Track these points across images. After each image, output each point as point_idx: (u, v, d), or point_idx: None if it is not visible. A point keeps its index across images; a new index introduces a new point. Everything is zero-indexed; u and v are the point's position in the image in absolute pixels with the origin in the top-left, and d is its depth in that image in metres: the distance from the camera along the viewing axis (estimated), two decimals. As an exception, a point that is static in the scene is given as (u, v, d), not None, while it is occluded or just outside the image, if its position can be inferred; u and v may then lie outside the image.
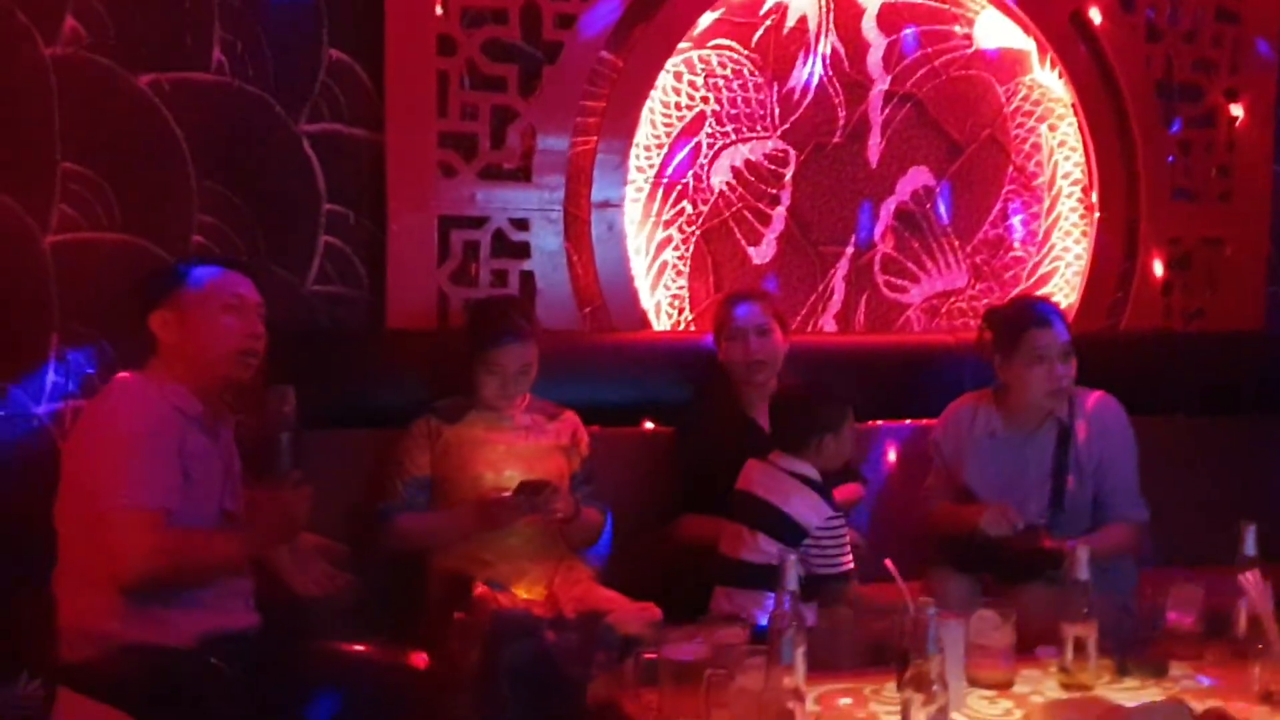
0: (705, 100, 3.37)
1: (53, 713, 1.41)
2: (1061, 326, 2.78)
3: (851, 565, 2.49)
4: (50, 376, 2.94)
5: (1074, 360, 2.77)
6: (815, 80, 3.44)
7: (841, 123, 3.48)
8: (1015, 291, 3.60)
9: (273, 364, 2.45)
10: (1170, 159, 3.70)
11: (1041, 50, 3.62)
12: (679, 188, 3.37)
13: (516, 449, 2.76)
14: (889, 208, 3.54)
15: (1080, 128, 3.66)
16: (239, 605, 2.23)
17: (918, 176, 3.55)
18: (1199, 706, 1.92)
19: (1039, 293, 3.62)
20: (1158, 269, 3.69)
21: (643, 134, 3.31)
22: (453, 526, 2.69)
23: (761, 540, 2.45)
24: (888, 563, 2.10)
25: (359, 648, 2.43)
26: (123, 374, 2.26)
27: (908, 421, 3.29)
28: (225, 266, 2.33)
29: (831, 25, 3.45)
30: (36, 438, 2.91)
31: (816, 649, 2.05)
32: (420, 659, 2.48)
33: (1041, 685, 2.13)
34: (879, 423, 3.29)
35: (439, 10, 3.10)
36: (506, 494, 2.63)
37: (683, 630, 1.96)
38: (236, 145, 3.03)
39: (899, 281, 3.58)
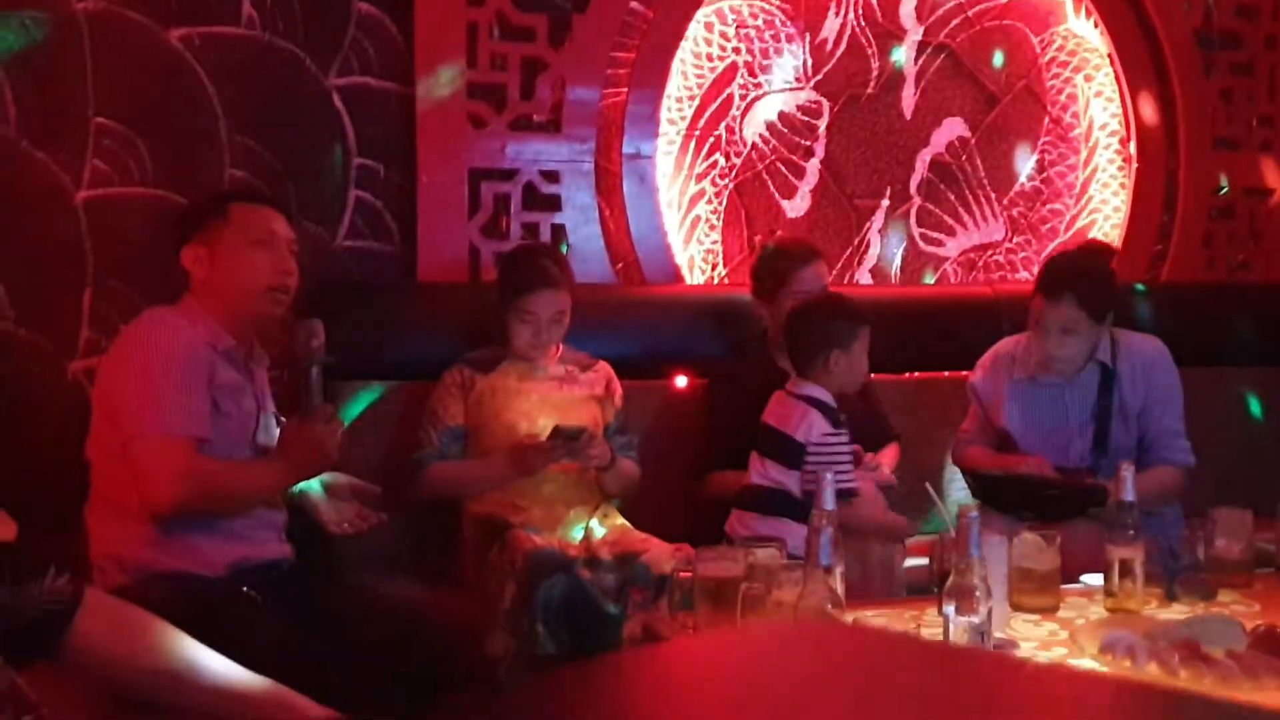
0: (737, 51, 3.34)
1: (81, 607, 1.40)
2: (1073, 301, 2.62)
3: (849, 487, 2.42)
4: (84, 332, 2.95)
5: (1074, 338, 2.66)
6: (847, 31, 3.41)
7: (875, 74, 3.44)
8: (1057, 243, 3.55)
9: (306, 316, 2.43)
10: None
11: (1076, -1, 3.57)
12: (711, 140, 3.34)
13: (550, 398, 2.74)
14: (924, 160, 3.49)
15: (1117, 78, 3.60)
16: (271, 536, 2.22)
17: (953, 128, 3.51)
18: (1249, 625, 1.86)
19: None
20: (1198, 221, 3.62)
21: (674, 86, 3.28)
22: (487, 474, 2.67)
23: (770, 467, 2.46)
24: (926, 485, 2.06)
25: (393, 586, 2.42)
26: (154, 308, 2.26)
27: (946, 374, 3.24)
28: (258, 202, 2.32)
29: (862, -25, 3.42)
30: (70, 393, 2.91)
31: (850, 577, 2.01)
32: (454, 598, 2.46)
33: (1087, 610, 2.08)
34: (917, 375, 3.25)
35: (467, -38, 3.10)
36: (541, 439, 2.61)
37: (716, 550, 1.93)
38: (267, 99, 3.03)
39: (935, 234, 3.53)
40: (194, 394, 2.10)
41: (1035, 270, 3.06)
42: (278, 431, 2.26)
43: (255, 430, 2.25)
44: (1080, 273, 2.66)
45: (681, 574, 1.94)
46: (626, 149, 3.23)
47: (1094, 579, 2.14)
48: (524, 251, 2.87)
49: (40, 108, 2.89)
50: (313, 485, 2.32)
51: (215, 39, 2.98)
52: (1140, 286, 3.44)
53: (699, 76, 3.32)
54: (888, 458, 2.86)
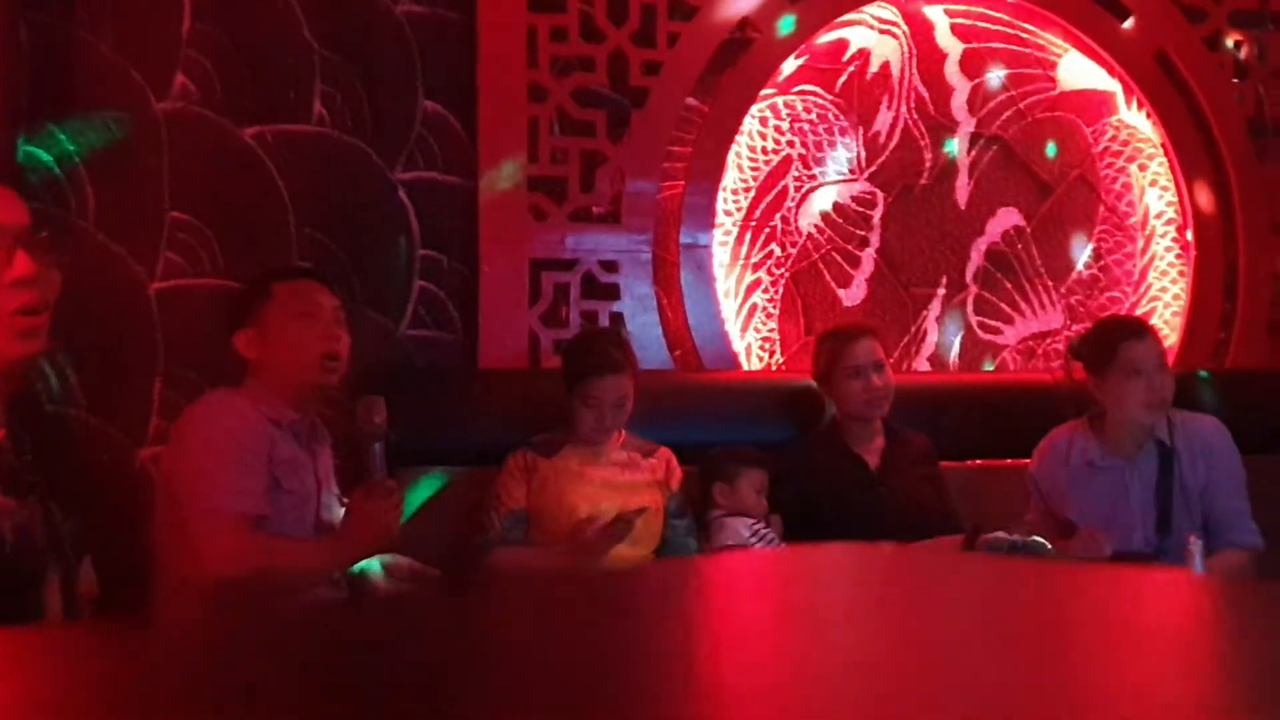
0: (791, 145, 3.40)
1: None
2: (1155, 338, 2.71)
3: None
4: (153, 420, 3.00)
5: (1170, 375, 2.69)
6: (900, 124, 3.46)
7: (928, 165, 3.48)
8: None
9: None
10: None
11: (1127, 91, 3.61)
12: (767, 230, 3.38)
13: (612, 484, 2.75)
14: (979, 248, 3.51)
15: (1171, 167, 3.62)
16: (335, 618, 2.20)
17: (1007, 217, 3.53)
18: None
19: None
20: (1260, 307, 3.60)
21: (730, 178, 3.34)
22: (550, 563, 2.66)
23: None
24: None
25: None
26: (214, 389, 2.29)
27: (1008, 461, 3.20)
28: (298, 276, 2.35)
29: (914, 70, 3.48)
30: (139, 480, 2.95)
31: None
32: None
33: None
34: (977, 462, 3.21)
35: (529, 61, 3.20)
36: (600, 524, 2.60)
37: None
38: (335, 194, 3.12)
39: (992, 322, 3.53)
40: (250, 471, 2.10)
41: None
42: (341, 511, 2.27)
43: (317, 508, 2.25)
44: (1138, 320, 2.68)
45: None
46: (684, 239, 3.28)
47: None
48: (588, 336, 2.91)
49: (118, 203, 2.99)
50: (372, 565, 2.32)
51: (286, 136, 3.09)
52: (1204, 374, 3.41)
53: (754, 169, 3.38)
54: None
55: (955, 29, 3.52)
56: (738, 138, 3.34)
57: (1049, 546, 2.34)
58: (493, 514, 2.73)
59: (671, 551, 2.74)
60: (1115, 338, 2.69)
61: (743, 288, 3.36)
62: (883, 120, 3.45)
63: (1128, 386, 2.65)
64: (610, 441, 2.78)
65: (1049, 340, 3.56)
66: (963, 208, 3.50)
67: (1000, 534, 2.42)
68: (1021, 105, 3.54)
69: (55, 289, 1.43)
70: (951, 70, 3.51)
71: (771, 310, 3.38)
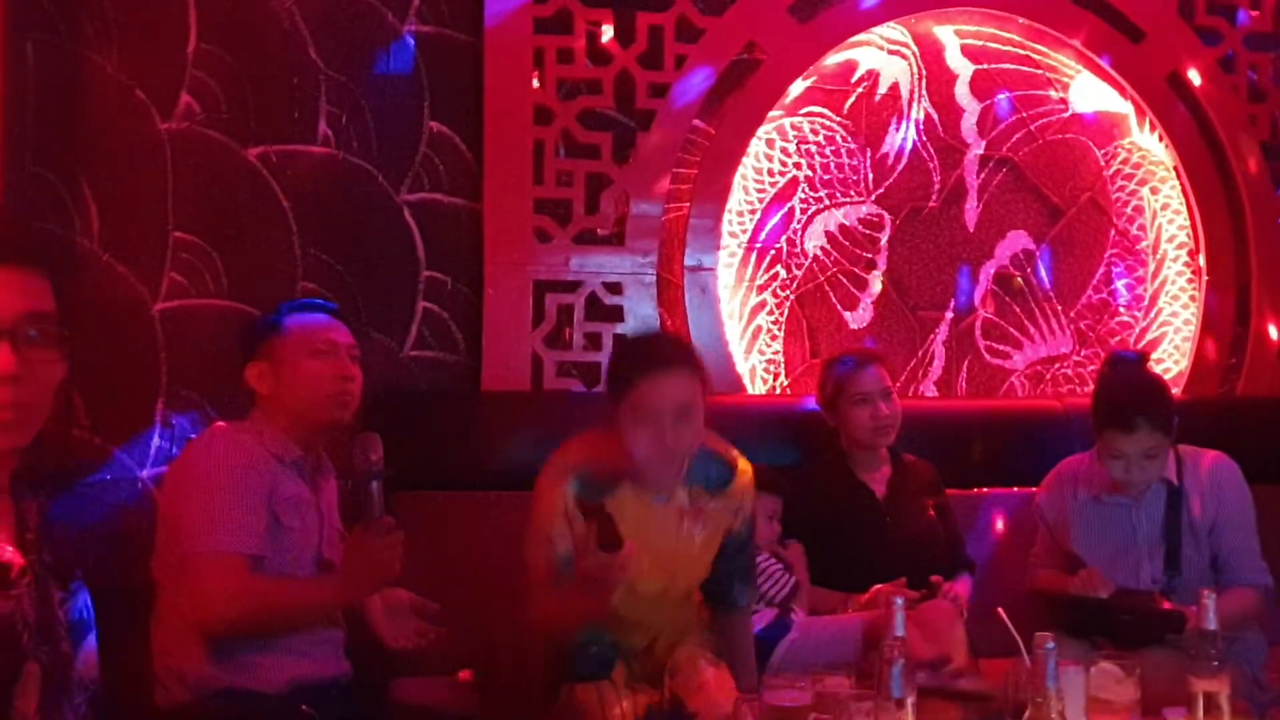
0: (798, 166, 3.38)
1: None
2: (1148, 427, 2.56)
3: (787, 589, 2.66)
4: (155, 440, 3.00)
5: (1157, 460, 2.61)
6: (909, 145, 3.44)
7: (937, 187, 3.45)
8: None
9: (370, 425, 2.42)
10: (1281, 221, 3.59)
11: (1140, 113, 3.57)
12: (772, 252, 3.36)
13: (659, 558, 2.16)
14: (988, 272, 3.48)
15: (1184, 190, 3.57)
16: (330, 654, 2.20)
17: (1017, 240, 3.50)
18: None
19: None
20: (1273, 333, 3.55)
21: (735, 200, 3.32)
22: (588, 605, 2.14)
23: None
24: (999, 611, 2.00)
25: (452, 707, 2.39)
26: (218, 423, 2.28)
27: (1015, 489, 3.17)
28: (314, 311, 2.33)
29: (924, 91, 3.45)
30: (140, 501, 2.95)
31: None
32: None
33: (1170, 746, 1.99)
34: (985, 490, 3.19)
35: (535, 83, 3.19)
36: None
37: (783, 678, 1.88)
38: (340, 214, 3.11)
39: (1001, 347, 3.50)
40: (250, 511, 2.10)
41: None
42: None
43: (319, 544, 2.24)
44: (1143, 397, 2.61)
45: (746, 702, 1.88)
46: (688, 261, 3.26)
47: (1176, 713, 2.05)
48: (635, 337, 2.61)
49: (122, 222, 2.99)
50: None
51: (291, 156, 3.08)
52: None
53: (760, 190, 3.36)
54: (962, 588, 2.79)
55: (966, 50, 3.48)
56: (744, 159, 3.31)
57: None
58: (541, 553, 2.21)
59: (714, 598, 2.34)
60: (1102, 422, 2.62)
61: (747, 310, 3.34)
62: (891, 142, 3.43)
63: (1109, 465, 2.63)
64: (673, 473, 2.18)
65: (1058, 365, 3.53)
66: (971, 230, 3.47)
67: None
68: (1032, 127, 3.51)
69: (48, 385, 1.34)
70: (961, 92, 3.47)
71: (776, 332, 3.36)
